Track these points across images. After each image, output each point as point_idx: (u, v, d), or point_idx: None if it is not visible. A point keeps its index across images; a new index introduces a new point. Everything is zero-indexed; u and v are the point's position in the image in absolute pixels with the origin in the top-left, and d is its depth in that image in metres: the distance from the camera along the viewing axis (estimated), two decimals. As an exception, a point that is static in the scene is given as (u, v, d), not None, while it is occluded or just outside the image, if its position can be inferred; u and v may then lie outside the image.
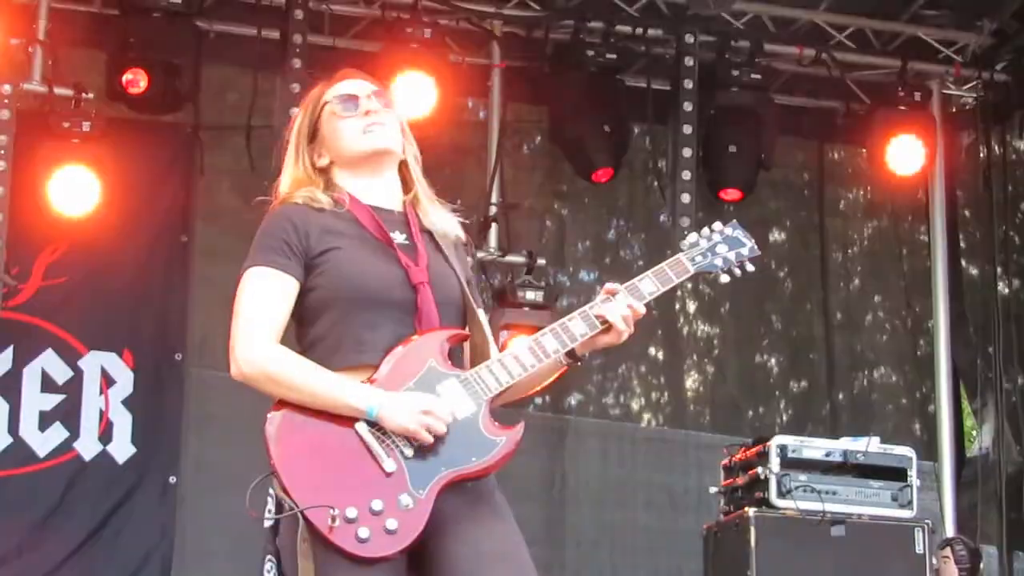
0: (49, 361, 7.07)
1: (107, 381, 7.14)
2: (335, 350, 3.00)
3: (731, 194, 7.63)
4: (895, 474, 6.32)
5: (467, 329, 3.11)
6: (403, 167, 3.19)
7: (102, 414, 7.08)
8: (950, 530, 7.36)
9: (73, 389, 7.05)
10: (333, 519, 2.84)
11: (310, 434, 2.95)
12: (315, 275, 3.00)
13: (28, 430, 7.01)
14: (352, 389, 2.93)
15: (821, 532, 6.10)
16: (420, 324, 3.03)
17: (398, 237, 3.08)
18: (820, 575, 6.14)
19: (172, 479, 7.09)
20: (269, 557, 3.00)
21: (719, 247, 3.22)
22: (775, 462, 6.15)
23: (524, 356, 3.04)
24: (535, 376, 3.14)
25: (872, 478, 6.30)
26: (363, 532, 2.83)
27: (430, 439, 2.88)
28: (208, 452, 7.17)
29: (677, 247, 3.39)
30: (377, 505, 2.85)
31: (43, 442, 7.00)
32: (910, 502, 6.23)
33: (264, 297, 3.02)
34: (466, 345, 3.12)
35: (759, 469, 6.22)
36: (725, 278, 3.22)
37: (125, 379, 7.16)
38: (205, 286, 7.22)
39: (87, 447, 7.02)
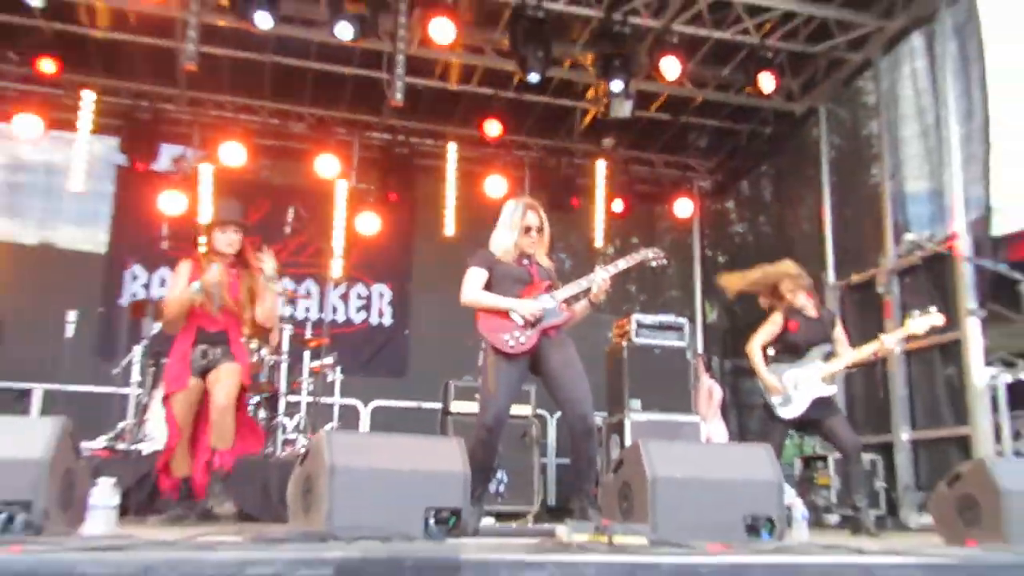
0: (359, 288, 10.29)
1: (381, 296, 10.28)
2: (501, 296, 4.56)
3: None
4: (680, 328, 8.09)
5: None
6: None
7: (380, 308, 10.26)
8: (701, 350, 10.41)
9: (367, 298, 10.25)
10: (503, 339, 4.34)
11: (493, 319, 4.48)
12: (492, 272, 4.53)
13: (352, 313, 10.27)
14: (507, 300, 4.47)
15: (652, 353, 7.89)
16: (534, 291, 4.55)
17: (527, 263, 4.62)
18: (654, 369, 7.73)
19: (407, 332, 10.24)
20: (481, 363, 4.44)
21: (648, 253, 4.78)
22: (634, 325, 8.00)
23: (572, 286, 4.45)
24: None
25: (671, 331, 8.04)
26: (511, 343, 4.33)
27: (532, 319, 4.37)
28: (423, 321, 10.21)
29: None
30: (518, 335, 4.35)
31: (357, 317, 10.18)
32: (686, 340, 8.08)
33: (474, 277, 4.57)
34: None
35: (627, 327, 7.96)
36: (653, 264, 4.65)
37: (388, 295, 10.39)
38: (420, 258, 10.52)
39: (373, 320, 10.26)
